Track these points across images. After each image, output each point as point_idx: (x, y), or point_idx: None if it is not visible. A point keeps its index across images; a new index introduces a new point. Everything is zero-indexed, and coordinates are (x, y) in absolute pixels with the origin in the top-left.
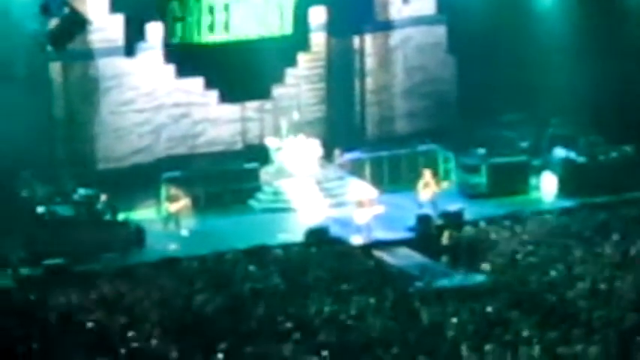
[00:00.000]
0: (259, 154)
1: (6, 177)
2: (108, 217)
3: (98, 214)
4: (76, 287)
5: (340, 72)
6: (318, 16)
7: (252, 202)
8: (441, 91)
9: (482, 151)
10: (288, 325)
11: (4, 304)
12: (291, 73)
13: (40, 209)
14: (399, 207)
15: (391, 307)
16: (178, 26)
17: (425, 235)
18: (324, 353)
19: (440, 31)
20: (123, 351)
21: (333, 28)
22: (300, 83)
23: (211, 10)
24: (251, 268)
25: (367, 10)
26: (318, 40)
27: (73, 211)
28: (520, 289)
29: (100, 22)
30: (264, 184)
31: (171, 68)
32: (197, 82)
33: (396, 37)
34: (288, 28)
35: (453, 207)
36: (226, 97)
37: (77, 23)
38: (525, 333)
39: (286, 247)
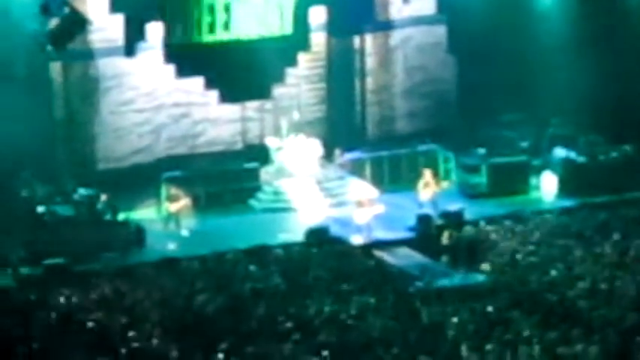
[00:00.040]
0: (259, 153)
1: (6, 177)
2: (108, 217)
3: (98, 214)
4: (76, 287)
5: (340, 72)
6: (318, 15)
7: (252, 202)
8: (441, 90)
9: (482, 151)
10: (289, 324)
11: (4, 303)
12: (291, 73)
13: (41, 209)
14: (399, 207)
15: (391, 306)
16: (178, 26)
17: (425, 235)
18: (325, 353)
19: (440, 31)
20: (123, 351)
21: (333, 27)
22: (301, 83)
23: (212, 10)
24: (251, 267)
25: (367, 10)
26: (319, 39)
27: (74, 210)
28: (520, 289)
29: (100, 22)
30: (265, 184)
31: (171, 68)
32: (197, 81)
33: (396, 36)
34: (288, 28)
35: (453, 207)
36: (226, 97)
37: (77, 23)
38: (525, 333)
39: (287, 246)
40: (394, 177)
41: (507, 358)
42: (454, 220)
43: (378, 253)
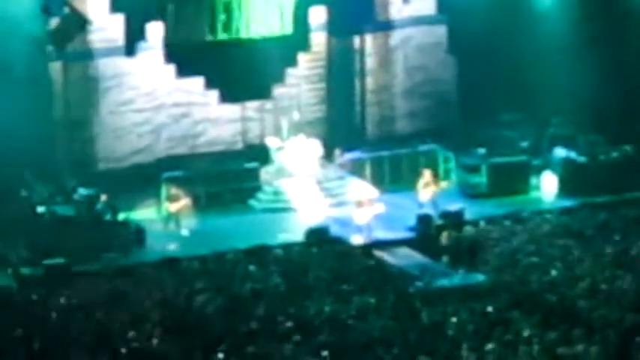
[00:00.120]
0: (260, 153)
1: (6, 177)
2: (108, 217)
3: (98, 214)
4: (77, 287)
5: (340, 72)
6: (318, 15)
7: (252, 202)
8: (442, 91)
9: (482, 150)
10: (289, 325)
11: (4, 303)
12: (291, 73)
13: (41, 209)
14: (399, 207)
15: (391, 307)
16: (179, 26)
17: (425, 235)
18: (325, 353)
19: (440, 31)
20: (123, 350)
21: (333, 27)
22: (301, 83)
23: (212, 10)
24: (251, 268)
25: (367, 10)
26: (319, 39)
27: (74, 210)
28: (520, 289)
29: (101, 22)
30: (265, 184)
31: (171, 68)
32: (197, 81)
33: (396, 37)
34: (288, 28)
35: (453, 207)
36: (227, 97)
37: (77, 23)
38: (526, 333)
39: (287, 246)
40: (394, 177)
41: (507, 359)
42: (454, 220)
43: (378, 253)
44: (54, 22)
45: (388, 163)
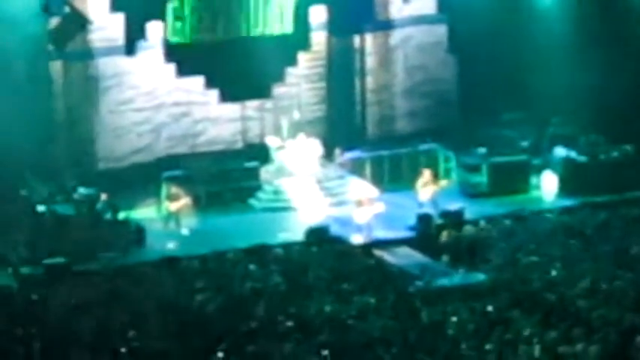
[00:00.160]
0: (260, 153)
1: (6, 176)
2: (108, 216)
3: (98, 213)
4: (77, 286)
5: (341, 71)
6: (318, 15)
7: (252, 201)
8: (442, 90)
9: (482, 150)
10: (289, 324)
11: (4, 303)
12: (291, 72)
13: (41, 208)
14: (399, 206)
15: (391, 306)
16: (179, 25)
17: (425, 234)
18: (325, 352)
19: (440, 31)
20: (123, 350)
21: (333, 27)
22: (301, 82)
23: (212, 9)
24: (251, 267)
25: (368, 10)
26: (319, 39)
27: (74, 210)
28: (520, 289)
29: (101, 21)
30: (265, 183)
31: (171, 67)
32: (197, 81)
33: (396, 36)
34: (288, 27)
35: (453, 206)
36: (227, 96)
37: (77, 22)
38: (526, 332)
39: (287, 246)
40: (394, 176)
41: (507, 358)
42: (454, 219)
43: (378, 252)
44: (54, 21)
45: (388, 163)
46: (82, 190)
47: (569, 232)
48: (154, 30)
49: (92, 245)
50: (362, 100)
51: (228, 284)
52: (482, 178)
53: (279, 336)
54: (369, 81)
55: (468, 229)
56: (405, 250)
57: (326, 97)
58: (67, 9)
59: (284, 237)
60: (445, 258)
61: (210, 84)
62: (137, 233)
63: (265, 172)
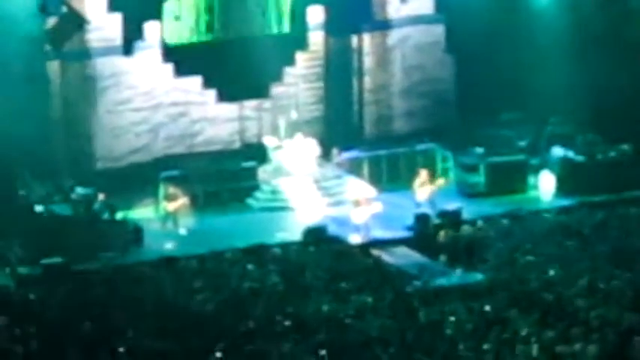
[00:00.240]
0: (257, 153)
1: (4, 176)
2: (106, 216)
3: (96, 213)
4: (75, 286)
5: (338, 71)
6: (316, 15)
7: (250, 201)
8: (439, 90)
9: (480, 150)
10: (287, 324)
11: (2, 303)
12: (289, 72)
13: (38, 208)
14: (397, 206)
15: (389, 306)
16: (176, 25)
17: (423, 234)
18: (323, 352)
19: (438, 31)
20: (121, 350)
21: (331, 27)
22: (299, 82)
23: (210, 9)
24: (249, 267)
25: (365, 10)
26: (317, 39)
27: (71, 210)
28: (518, 288)
29: (98, 21)
30: (263, 183)
31: (169, 67)
32: (195, 81)
33: (394, 36)
34: (286, 27)
35: (451, 206)
36: (224, 96)
37: (75, 22)
38: (524, 332)
39: (284, 246)
40: (392, 176)
41: (505, 358)
42: (452, 219)
43: (375, 252)
44: (51, 21)
45: (386, 163)
46: (79, 190)
47: (567, 231)
48: (152, 30)
49: (90, 245)
50: (359, 99)
51: (226, 284)
52: (479, 178)
53: (277, 335)
54: (367, 81)
55: (466, 228)
56: (402, 250)
57: (324, 97)
58: (64, 9)
59: (282, 237)
60: (443, 258)
61: (207, 84)
62: (135, 233)
63: (263, 172)
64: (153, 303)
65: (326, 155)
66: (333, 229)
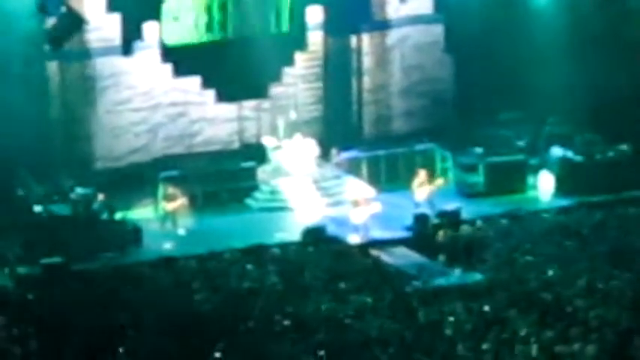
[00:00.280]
0: (256, 153)
1: (3, 176)
2: (105, 216)
3: (95, 213)
4: (74, 286)
5: (337, 71)
6: (315, 15)
7: (249, 201)
8: (439, 90)
9: (479, 150)
10: (286, 324)
11: (1, 302)
12: (288, 72)
13: (38, 208)
14: (396, 206)
15: (388, 306)
16: (175, 25)
17: (422, 234)
18: (322, 352)
19: (437, 30)
20: (121, 350)
21: (330, 27)
22: (298, 82)
23: (208, 9)
24: (248, 267)
25: (364, 10)
26: (316, 39)
27: (71, 210)
28: (517, 288)
29: (97, 22)
30: (262, 183)
31: (168, 67)
32: (194, 81)
33: (393, 36)
34: (285, 27)
35: (450, 206)
36: (223, 97)
37: (74, 22)
38: (523, 332)
39: (283, 246)
40: (391, 176)
41: (504, 358)
42: (451, 219)
43: (375, 252)
44: (51, 21)
45: (385, 163)
46: (78, 190)
47: (566, 231)
48: (151, 30)
49: (89, 245)
50: (359, 99)
51: (225, 284)
52: (478, 178)
53: (276, 335)
54: (366, 81)
55: (465, 228)
56: (401, 250)
57: (323, 97)
58: (63, 9)
59: (281, 237)
60: (442, 258)
61: (206, 84)
62: (134, 233)
63: (262, 172)
64: (152, 303)
65: (325, 155)
66: (332, 230)
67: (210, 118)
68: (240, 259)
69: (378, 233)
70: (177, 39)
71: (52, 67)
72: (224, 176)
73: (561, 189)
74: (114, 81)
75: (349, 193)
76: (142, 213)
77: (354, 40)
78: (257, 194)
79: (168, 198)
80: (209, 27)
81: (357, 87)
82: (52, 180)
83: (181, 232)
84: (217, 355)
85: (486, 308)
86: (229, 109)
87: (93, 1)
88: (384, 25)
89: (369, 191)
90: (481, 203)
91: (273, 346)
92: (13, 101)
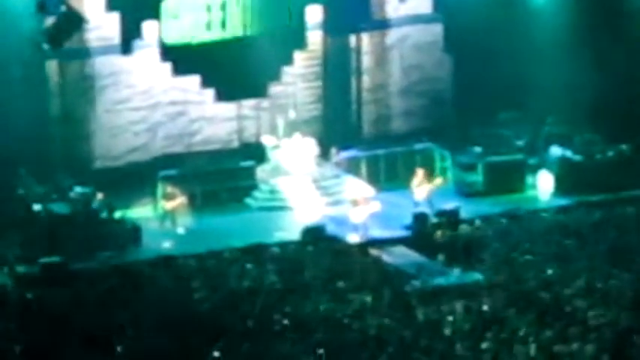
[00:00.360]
0: (256, 152)
1: (2, 175)
2: (104, 215)
3: (94, 212)
4: (73, 285)
5: (337, 70)
6: (314, 14)
7: (248, 201)
8: (438, 89)
9: (478, 149)
10: (285, 323)
11: (0, 302)
12: (287, 72)
13: (37, 207)
14: (395, 205)
15: (387, 305)
16: (174, 24)
17: (421, 233)
18: (321, 351)
19: (436, 30)
20: (119, 349)
21: (329, 26)
22: (297, 81)
23: (208, 8)
24: (248, 266)
25: (364, 9)
26: (315, 38)
27: (70, 209)
28: (516, 288)
29: (97, 21)
30: (261, 183)
31: (167, 66)
32: (193, 80)
33: (392, 35)
34: (284, 26)
35: (449, 205)
36: (223, 96)
37: (73, 21)
38: (521, 331)
39: (283, 245)
40: (390, 175)
41: (503, 357)
42: (450, 218)
43: (374, 251)
44: (50, 20)
45: (384, 162)
46: (78, 189)
47: (565, 231)
48: (150, 29)
49: (88, 244)
50: (358, 99)
51: (225, 283)
52: (477, 177)
53: (275, 335)
54: (365, 80)
55: (464, 228)
56: (401, 250)
57: (322, 97)
58: (63, 8)
59: (280, 236)
60: (441, 257)
61: (206, 83)
62: (133, 232)
63: (261, 172)
64: (151, 302)
65: (324, 154)
66: (331, 229)
67: (209, 117)
68: (240, 258)
69: (377, 232)
70: (176, 38)
71: (52, 66)
72: (223, 175)
73: (560, 188)
74: (113, 80)
75: (348, 193)
76: (141, 212)
77: (353, 39)
78: (256, 193)
79: (168, 197)
80: (208, 26)
81: (356, 86)
82: (52, 179)
83: (180, 231)
84: (216, 354)
85: (485, 308)
86: (229, 108)
87: (92, 0)
88: (383, 25)
89: (369, 190)
90: (480, 203)
91: (272, 345)
92: (13, 100)
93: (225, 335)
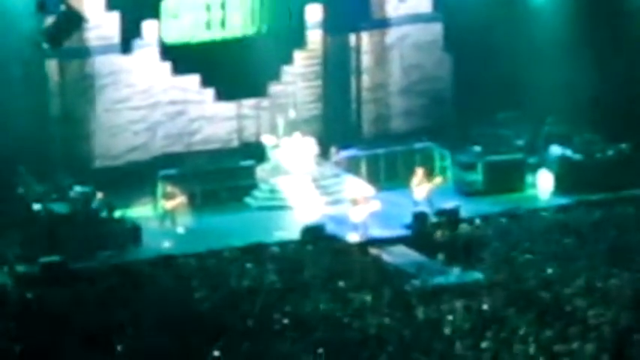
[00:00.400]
0: (255, 151)
1: (2, 174)
2: (104, 214)
3: (94, 211)
4: (73, 285)
5: (336, 70)
6: (314, 13)
7: (248, 200)
8: (437, 88)
9: (478, 148)
10: (285, 322)
11: (0, 301)
12: (287, 71)
13: (36, 206)
14: (395, 204)
15: (387, 304)
16: (174, 23)
17: (421, 232)
18: (321, 350)
19: (436, 29)
20: (119, 348)
21: (329, 25)
22: (297, 81)
23: (208, 8)
24: (247, 265)
25: (364, 8)
26: (315, 37)
27: (69, 208)
28: (516, 287)
29: (96, 20)
30: (261, 182)
31: (167, 66)
32: (193, 79)
33: (392, 34)
34: (284, 26)
35: (449, 204)
36: (222, 95)
37: (73, 21)
38: (521, 331)
39: (282, 244)
40: (390, 175)
41: (503, 356)
42: (450, 217)
43: (374, 250)
44: (50, 19)
45: (384, 161)
46: (77, 188)
47: (565, 230)
48: (150, 28)
49: (88, 243)
50: (358, 98)
51: (225, 282)
52: (477, 177)
53: (275, 334)
54: (365, 79)
55: (464, 227)
56: (400, 249)
57: (322, 96)
58: (62, 7)
59: (280, 235)
60: (441, 256)
61: (205, 82)
62: (133, 231)
63: (261, 171)
64: (151, 301)
65: (324, 154)
66: (331, 228)
67: (209, 116)
68: (240, 257)
69: (377, 232)
70: (176, 37)
71: (51, 65)
72: (223, 175)
73: (560, 188)
74: (113, 79)
75: (348, 192)
76: (141, 211)
77: (353, 38)
78: (256, 193)
79: (168, 196)
80: (208, 25)
81: (356, 85)
82: (51, 178)
83: (180, 230)
84: (216, 353)
85: (485, 307)
86: (228, 108)
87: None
88: (383, 24)
89: (368, 190)
90: (480, 202)
91: (272, 344)
92: (12, 99)
93: (225, 334)
